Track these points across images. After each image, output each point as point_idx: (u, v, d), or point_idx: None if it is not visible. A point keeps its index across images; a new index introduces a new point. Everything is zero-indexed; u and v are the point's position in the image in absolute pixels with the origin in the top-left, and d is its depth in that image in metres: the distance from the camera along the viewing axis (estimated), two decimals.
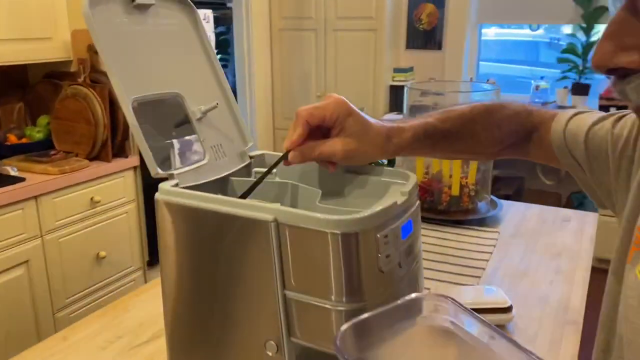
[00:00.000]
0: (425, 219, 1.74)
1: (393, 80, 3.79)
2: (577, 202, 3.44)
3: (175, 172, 0.67)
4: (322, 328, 0.58)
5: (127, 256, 2.38)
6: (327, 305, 0.57)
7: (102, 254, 2.23)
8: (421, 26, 3.84)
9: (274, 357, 0.61)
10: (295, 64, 3.92)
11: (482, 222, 1.66)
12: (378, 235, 0.57)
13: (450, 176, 1.71)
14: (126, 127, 2.24)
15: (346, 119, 0.69)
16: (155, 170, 0.65)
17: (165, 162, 0.68)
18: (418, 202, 0.65)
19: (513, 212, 1.74)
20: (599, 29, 3.46)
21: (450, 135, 0.80)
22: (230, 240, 0.60)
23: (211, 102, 0.75)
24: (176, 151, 0.69)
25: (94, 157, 2.23)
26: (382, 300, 0.58)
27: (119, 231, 2.31)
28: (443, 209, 1.68)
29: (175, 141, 0.70)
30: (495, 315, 1.11)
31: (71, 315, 2.13)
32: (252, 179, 0.75)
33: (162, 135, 0.70)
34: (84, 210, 2.15)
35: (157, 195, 0.64)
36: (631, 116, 0.76)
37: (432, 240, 1.55)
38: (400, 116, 3.56)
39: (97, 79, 2.24)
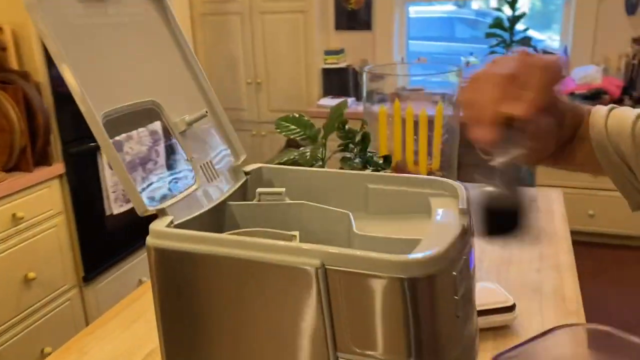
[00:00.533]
0: None
1: (325, 63, 3.68)
2: (513, 174, 3.49)
3: (166, 205, 0.52)
4: None
5: (59, 274, 2.14)
6: None
7: (31, 275, 1.98)
8: (349, 6, 3.74)
9: None
10: (221, 50, 3.71)
11: None
12: (454, 273, 0.45)
13: (416, 163, 1.63)
14: (47, 131, 1.99)
15: None
16: (144, 207, 0.49)
17: (150, 192, 0.53)
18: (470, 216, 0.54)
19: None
20: (524, 3, 3.51)
21: None
22: (261, 296, 0.47)
23: (194, 110, 0.60)
24: (165, 178, 0.54)
25: (11, 167, 1.96)
26: (457, 354, 0.47)
27: (48, 248, 2.07)
28: None
29: (158, 164, 0.55)
30: (501, 316, 1.04)
31: (1, 347, 1.89)
32: (255, 202, 0.61)
33: (139, 158, 0.55)
34: (6, 228, 1.89)
35: (150, 241, 0.49)
36: None
37: None
38: (335, 100, 3.46)
39: (7, 78, 1.96)
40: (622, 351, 0.47)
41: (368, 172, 0.64)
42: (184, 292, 0.50)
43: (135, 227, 2.27)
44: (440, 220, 0.52)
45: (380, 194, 0.62)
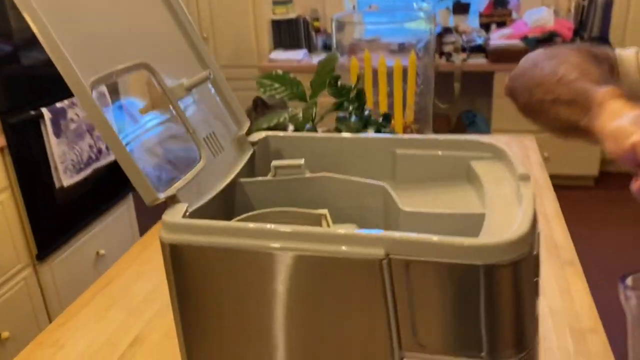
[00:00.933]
0: None
1: (274, 14, 3.51)
2: (468, 121, 3.50)
3: (177, 190, 0.43)
4: None
5: (10, 254, 1.98)
6: None
7: None
8: None
9: None
10: None
11: None
12: (535, 253, 0.39)
13: (392, 117, 1.56)
14: None
15: None
16: (154, 196, 0.40)
17: (154, 176, 0.43)
18: None
19: None
20: None
21: None
22: (311, 293, 0.39)
23: (190, 74, 0.50)
24: (170, 156, 0.45)
25: None
26: (537, 340, 0.42)
27: None
28: None
29: (161, 138, 0.45)
30: None
31: None
32: (270, 178, 0.52)
33: (135, 132, 0.45)
34: None
35: (166, 236, 0.40)
36: None
37: None
38: (288, 53, 3.33)
39: None
40: None
41: (394, 135, 0.57)
42: (210, 294, 0.41)
43: (88, 198, 2.13)
44: (494, 189, 0.45)
45: (409, 160, 0.54)
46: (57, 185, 1.95)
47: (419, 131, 1.60)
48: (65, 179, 1.94)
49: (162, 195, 0.41)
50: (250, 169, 0.55)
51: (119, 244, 2.30)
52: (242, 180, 0.52)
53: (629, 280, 0.42)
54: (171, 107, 0.48)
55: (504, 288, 0.36)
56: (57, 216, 2.08)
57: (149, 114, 0.48)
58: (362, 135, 0.56)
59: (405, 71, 1.54)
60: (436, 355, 0.39)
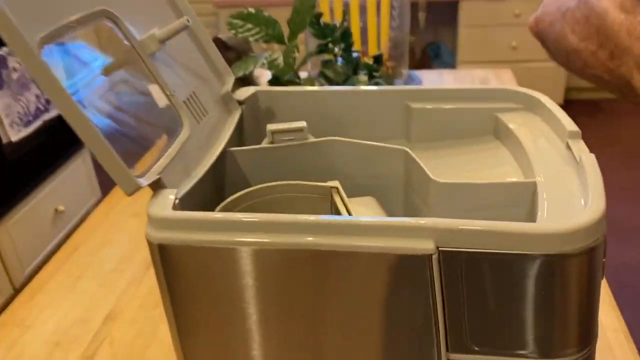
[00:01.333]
0: None
1: None
2: (433, 53, 3.42)
3: (161, 172, 0.35)
4: None
5: None
6: None
7: None
8: None
9: None
10: None
11: None
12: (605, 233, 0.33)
13: (364, 53, 1.47)
14: None
15: None
16: (134, 185, 0.32)
17: (124, 153, 0.34)
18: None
19: (429, 83, 1.56)
20: None
21: None
22: (339, 295, 0.32)
23: (162, 22, 0.41)
24: (141, 125, 0.36)
25: None
26: None
27: None
28: None
29: (130, 104, 0.36)
30: None
31: None
32: (266, 145, 0.44)
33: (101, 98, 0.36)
34: None
35: (153, 235, 0.32)
36: None
37: None
38: None
39: None
40: None
41: (406, 87, 0.49)
42: (211, 299, 0.34)
43: (41, 153, 1.99)
44: (539, 149, 0.38)
45: (426, 115, 0.47)
46: (4, 140, 1.80)
47: (394, 69, 1.52)
48: (13, 133, 1.80)
49: (144, 182, 0.33)
50: (238, 133, 0.47)
51: (78, 198, 2.18)
52: (234, 149, 0.43)
53: None
54: (143, 65, 0.38)
55: (576, 279, 0.30)
56: (9, 173, 1.94)
57: (114, 74, 0.39)
58: (369, 87, 0.48)
59: (379, 4, 1.44)
60: (490, 356, 0.33)
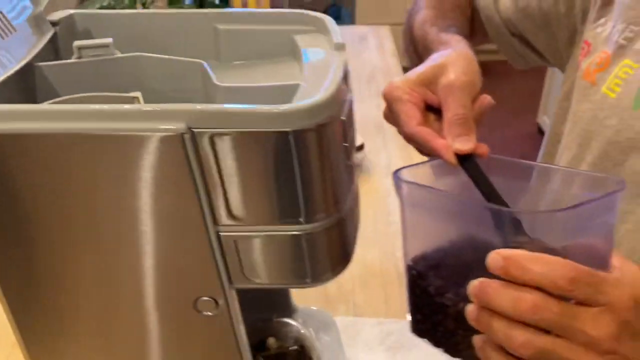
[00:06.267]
0: None
1: None
2: (333, 15, 3.48)
3: None
4: (278, 262, 0.41)
5: None
6: (286, 232, 0.39)
7: None
8: None
9: (215, 316, 0.42)
10: None
11: None
12: (343, 118, 0.39)
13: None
14: None
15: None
16: None
17: None
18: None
19: None
20: None
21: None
22: (113, 177, 0.37)
23: None
24: None
25: None
26: (352, 201, 0.43)
27: None
28: None
29: None
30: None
31: None
32: (74, 60, 0.47)
33: None
34: None
35: None
36: None
37: None
38: None
39: None
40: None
41: (215, 10, 0.53)
42: (16, 188, 0.37)
43: None
44: (313, 60, 0.44)
45: (233, 36, 0.51)
46: None
47: None
48: None
49: None
50: (53, 52, 0.49)
51: None
52: (42, 64, 0.46)
53: (402, 173, 0.45)
54: None
55: (310, 152, 0.36)
56: None
57: None
58: (179, 10, 0.51)
59: None
60: (253, 226, 0.39)
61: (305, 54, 0.47)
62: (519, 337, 0.37)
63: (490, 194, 0.45)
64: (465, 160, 0.47)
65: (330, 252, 0.42)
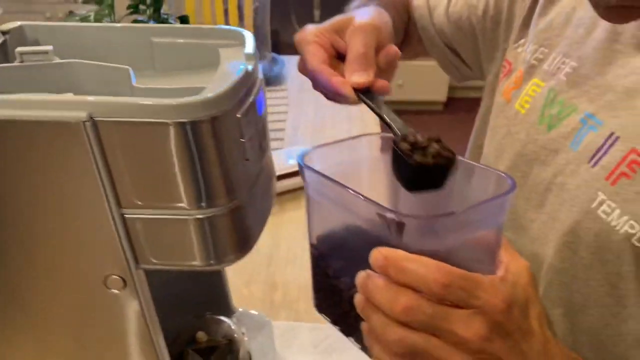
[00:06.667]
0: None
1: None
2: None
3: None
4: (181, 244, 0.45)
5: None
6: (185, 216, 0.44)
7: None
8: None
9: (123, 294, 0.46)
10: None
11: (267, 82, 1.59)
12: (239, 116, 0.44)
13: None
14: None
15: None
16: None
17: None
18: (261, 66, 0.53)
19: (294, 67, 1.69)
20: None
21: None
22: (19, 162, 0.41)
23: None
24: None
25: None
26: (251, 194, 0.48)
27: None
28: None
29: None
30: None
31: None
32: (16, 64, 0.52)
33: None
34: None
35: None
36: None
37: None
38: None
39: None
40: None
41: (151, 24, 0.58)
42: None
43: None
44: (226, 68, 0.49)
45: (166, 48, 0.57)
46: None
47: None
48: None
49: None
50: (3, 59, 0.54)
51: None
52: None
53: (309, 155, 0.48)
54: None
55: (201, 143, 0.41)
56: None
57: None
58: (118, 25, 0.57)
59: None
60: (156, 210, 0.43)
61: (223, 64, 0.52)
62: (393, 335, 0.39)
63: (393, 124, 0.47)
64: (366, 96, 0.49)
65: (232, 235, 0.46)
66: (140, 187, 0.43)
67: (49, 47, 0.52)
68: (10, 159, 0.42)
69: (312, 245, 0.50)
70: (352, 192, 0.43)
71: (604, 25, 0.57)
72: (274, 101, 1.50)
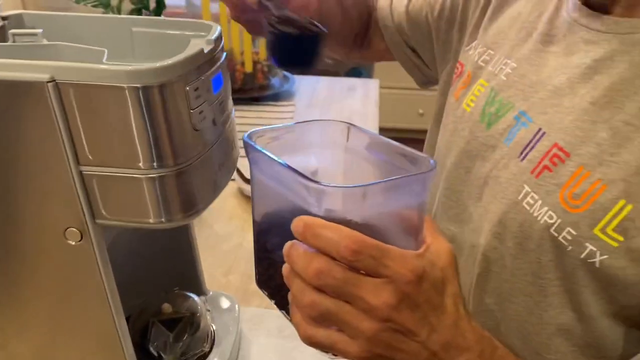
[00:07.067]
0: None
1: None
2: (354, 74, 3.67)
3: None
4: (133, 201, 0.50)
5: None
6: (136, 175, 0.49)
7: None
8: None
9: (79, 245, 0.51)
10: None
11: (277, 97, 1.66)
12: (187, 88, 0.49)
13: (242, 53, 1.64)
14: None
15: None
16: None
17: None
18: (225, 54, 0.58)
19: (305, 85, 1.76)
20: None
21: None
22: None
23: None
24: None
25: None
26: (199, 161, 0.52)
27: None
28: (238, 87, 1.63)
29: None
30: None
31: None
32: (8, 44, 0.59)
33: None
34: None
35: None
36: None
37: None
38: None
39: None
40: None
41: (133, 16, 0.65)
42: None
43: None
44: (187, 50, 0.55)
45: (145, 37, 0.63)
46: None
47: (269, 67, 1.70)
48: None
49: None
50: (1, 41, 0.61)
51: None
52: None
53: (254, 134, 0.51)
54: None
55: (150, 107, 0.46)
56: None
57: None
58: (101, 15, 0.64)
59: None
60: (111, 168, 0.48)
61: (190, 46, 0.57)
62: (306, 298, 0.41)
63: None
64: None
65: (179, 196, 0.51)
66: (97, 145, 0.48)
67: (39, 31, 0.59)
68: None
69: (254, 222, 0.53)
70: (280, 163, 0.45)
71: (540, 29, 0.61)
72: (283, 114, 1.57)
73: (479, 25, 0.70)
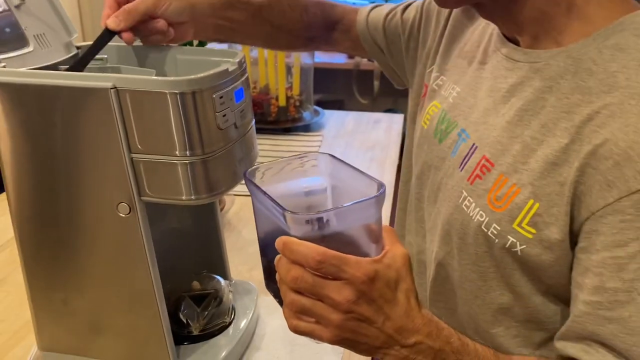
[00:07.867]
0: (257, 130, 1.85)
1: None
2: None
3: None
4: (170, 182, 0.64)
5: None
6: (173, 160, 0.63)
7: None
8: None
9: (127, 217, 0.66)
10: None
11: (307, 129, 1.81)
12: (214, 96, 0.63)
13: (277, 88, 1.81)
14: None
15: None
16: None
17: None
18: (247, 74, 0.73)
19: (334, 118, 1.91)
20: None
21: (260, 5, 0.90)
22: (70, 114, 0.63)
23: None
24: None
25: None
26: (223, 153, 0.66)
27: None
28: (273, 120, 1.79)
29: None
30: None
31: None
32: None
33: None
34: None
35: None
36: (416, 3, 0.92)
37: (266, 147, 1.66)
38: None
39: None
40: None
41: (177, 46, 0.82)
42: (16, 123, 0.65)
43: None
44: (216, 69, 0.70)
45: (187, 63, 0.79)
46: None
47: (301, 102, 1.86)
48: None
49: None
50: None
51: None
52: (61, 67, 0.75)
53: (252, 171, 0.63)
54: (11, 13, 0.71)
55: (185, 108, 0.61)
56: None
57: None
58: (157, 46, 0.80)
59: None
60: (154, 155, 0.63)
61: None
62: (288, 298, 0.54)
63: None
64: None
65: (204, 179, 0.65)
66: (144, 137, 0.63)
67: (104, 56, 0.76)
68: (57, 116, 0.64)
69: (258, 238, 0.65)
70: (264, 195, 0.57)
71: (478, 57, 0.73)
72: (311, 143, 1.72)
73: (437, 50, 0.83)
